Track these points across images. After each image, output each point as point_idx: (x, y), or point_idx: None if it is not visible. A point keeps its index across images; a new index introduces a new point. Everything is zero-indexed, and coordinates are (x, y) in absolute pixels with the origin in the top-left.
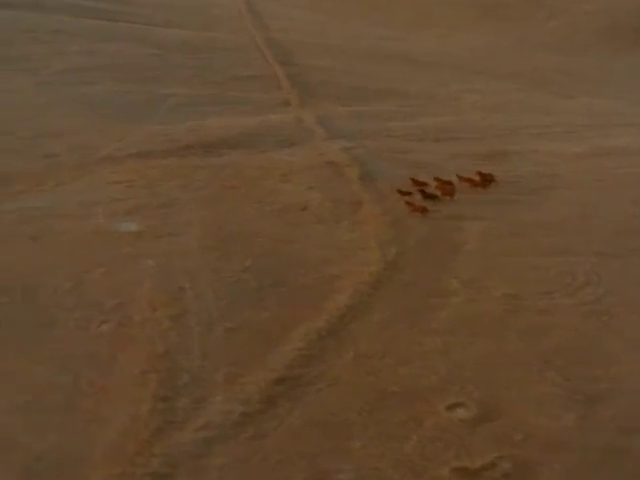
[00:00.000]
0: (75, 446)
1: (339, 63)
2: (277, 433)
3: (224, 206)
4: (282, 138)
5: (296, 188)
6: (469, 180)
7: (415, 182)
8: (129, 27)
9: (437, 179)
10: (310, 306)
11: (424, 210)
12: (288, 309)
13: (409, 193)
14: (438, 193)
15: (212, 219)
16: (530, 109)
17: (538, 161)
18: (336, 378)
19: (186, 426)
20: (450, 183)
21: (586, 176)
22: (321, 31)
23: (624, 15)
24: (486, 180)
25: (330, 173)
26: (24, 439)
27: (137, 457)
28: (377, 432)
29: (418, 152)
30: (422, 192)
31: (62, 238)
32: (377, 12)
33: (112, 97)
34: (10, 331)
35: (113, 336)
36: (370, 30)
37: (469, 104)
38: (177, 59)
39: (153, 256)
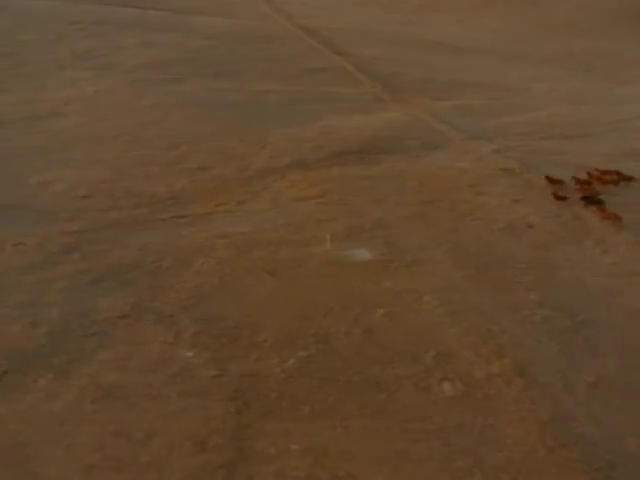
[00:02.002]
0: None
1: (393, 52)
2: None
3: (444, 225)
4: (421, 140)
5: (499, 201)
6: (609, 180)
7: (551, 181)
8: (163, 15)
9: (576, 179)
10: None
11: (617, 218)
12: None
13: (564, 197)
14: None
15: (442, 240)
16: (603, 99)
17: None
18: None
19: None
20: (590, 183)
21: None
22: (346, 17)
23: None
24: (624, 179)
25: (516, 182)
26: None
27: None
28: None
29: (566, 152)
30: (586, 197)
31: (298, 271)
32: None
33: (208, 96)
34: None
35: (467, 399)
36: (385, 15)
37: (545, 94)
38: (236, 50)
39: (421, 289)
